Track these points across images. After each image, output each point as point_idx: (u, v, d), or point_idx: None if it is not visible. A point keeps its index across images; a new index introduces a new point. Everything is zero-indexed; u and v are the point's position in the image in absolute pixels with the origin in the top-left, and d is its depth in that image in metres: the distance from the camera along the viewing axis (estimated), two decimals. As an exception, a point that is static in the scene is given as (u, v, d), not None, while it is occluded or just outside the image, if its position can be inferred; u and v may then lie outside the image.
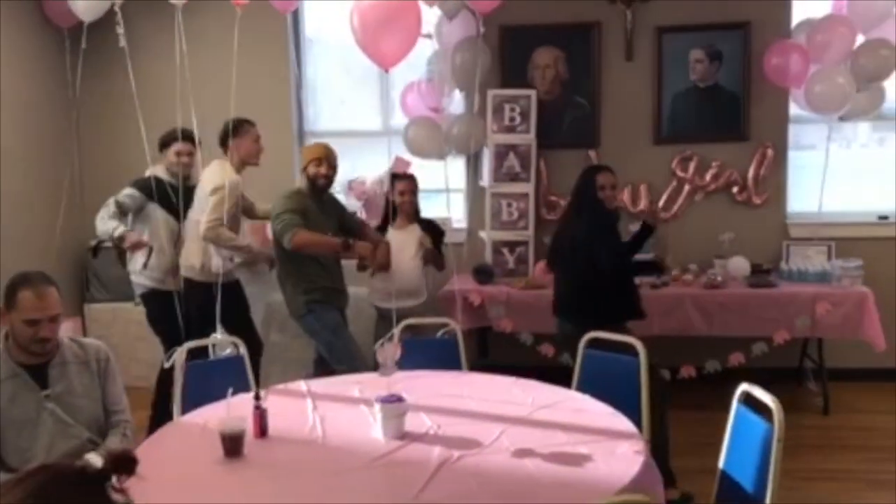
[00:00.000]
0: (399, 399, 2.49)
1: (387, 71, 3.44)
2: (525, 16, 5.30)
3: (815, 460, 4.01)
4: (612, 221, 3.94)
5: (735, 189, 5.33)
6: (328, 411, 2.76)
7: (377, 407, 2.48)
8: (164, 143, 4.35)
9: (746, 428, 2.39)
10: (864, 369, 5.12)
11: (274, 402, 2.73)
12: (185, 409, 2.90)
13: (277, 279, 4.28)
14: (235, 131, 4.21)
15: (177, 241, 4.37)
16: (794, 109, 5.29)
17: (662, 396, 3.52)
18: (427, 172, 4.93)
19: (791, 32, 5.14)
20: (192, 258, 4.26)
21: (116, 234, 4.17)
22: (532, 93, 5.27)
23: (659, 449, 3.34)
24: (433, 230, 4.64)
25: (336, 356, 4.07)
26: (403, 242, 4.46)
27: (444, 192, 4.62)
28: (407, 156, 5.29)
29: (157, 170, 4.39)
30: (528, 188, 5.26)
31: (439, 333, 3.63)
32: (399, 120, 5.49)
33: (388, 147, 4.45)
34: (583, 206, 3.88)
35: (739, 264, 5.01)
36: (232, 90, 3.92)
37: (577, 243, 3.81)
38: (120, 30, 3.69)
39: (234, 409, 2.49)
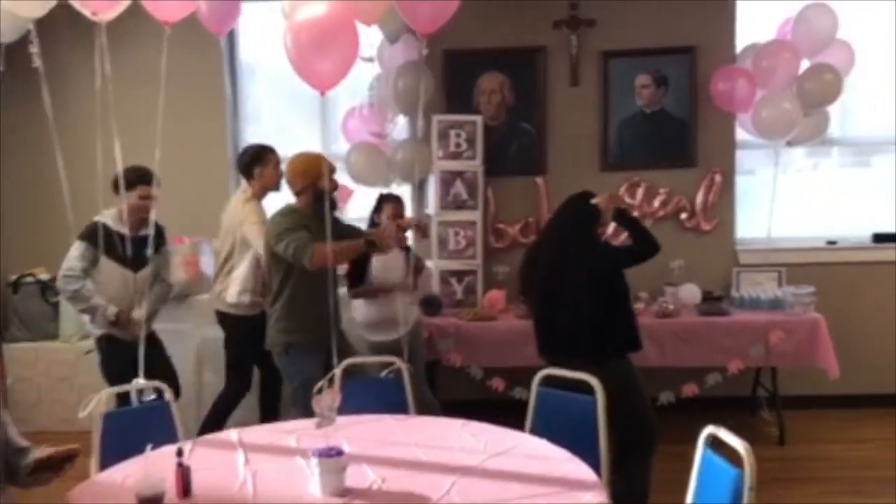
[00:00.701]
0: (339, 452, 2.26)
1: (322, 94, 3.24)
2: (469, 40, 5.17)
3: (775, 494, 3.87)
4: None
5: (684, 215, 5.26)
6: (261, 464, 2.52)
7: (314, 461, 2.25)
8: (131, 184, 3.88)
9: (714, 474, 2.22)
10: (818, 396, 5.05)
11: (201, 456, 2.49)
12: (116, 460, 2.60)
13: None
14: (259, 159, 4.28)
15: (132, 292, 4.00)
16: (740, 134, 5.26)
17: (644, 444, 3.38)
18: (370, 200, 4.70)
19: (736, 57, 5.11)
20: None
21: (110, 312, 3.85)
22: (478, 118, 5.13)
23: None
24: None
25: (296, 409, 3.63)
26: (391, 270, 4.17)
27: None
28: (349, 183, 5.10)
29: (106, 216, 3.93)
30: (475, 216, 5.10)
31: (384, 373, 3.40)
32: (341, 146, 5.28)
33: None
34: (584, 241, 3.55)
35: (691, 292, 4.93)
36: (160, 115, 3.68)
37: (598, 272, 3.44)
38: (34, 48, 3.38)
39: (156, 465, 2.24)
